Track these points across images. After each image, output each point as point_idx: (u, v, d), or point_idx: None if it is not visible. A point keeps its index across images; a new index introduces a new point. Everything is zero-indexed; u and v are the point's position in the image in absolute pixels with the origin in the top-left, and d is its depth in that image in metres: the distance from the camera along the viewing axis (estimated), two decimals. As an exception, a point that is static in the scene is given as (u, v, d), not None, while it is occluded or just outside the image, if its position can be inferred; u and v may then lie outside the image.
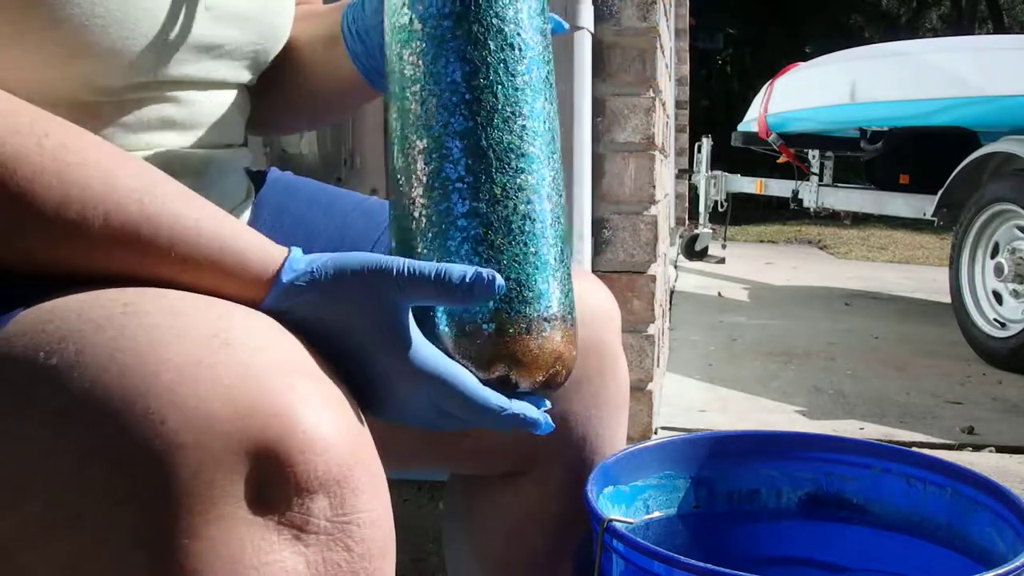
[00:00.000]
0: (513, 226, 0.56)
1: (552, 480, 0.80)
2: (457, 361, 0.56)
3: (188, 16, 0.63)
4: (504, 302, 0.55)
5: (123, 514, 0.43)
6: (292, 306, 0.53)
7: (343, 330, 0.53)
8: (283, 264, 0.54)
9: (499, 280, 0.53)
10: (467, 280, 0.53)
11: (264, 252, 0.54)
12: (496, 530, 0.83)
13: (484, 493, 0.84)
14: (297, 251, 0.56)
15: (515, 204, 0.56)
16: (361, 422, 0.51)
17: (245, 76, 0.73)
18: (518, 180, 0.56)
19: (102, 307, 0.48)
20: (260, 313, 0.52)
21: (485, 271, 0.53)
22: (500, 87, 0.57)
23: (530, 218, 0.56)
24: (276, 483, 0.45)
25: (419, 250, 0.57)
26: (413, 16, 0.58)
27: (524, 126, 0.57)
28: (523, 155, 0.57)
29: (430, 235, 0.56)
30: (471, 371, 0.56)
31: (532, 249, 0.56)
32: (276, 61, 0.78)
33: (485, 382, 0.56)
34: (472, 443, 0.80)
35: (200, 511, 0.43)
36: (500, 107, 0.56)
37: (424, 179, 0.57)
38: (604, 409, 0.81)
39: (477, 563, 0.85)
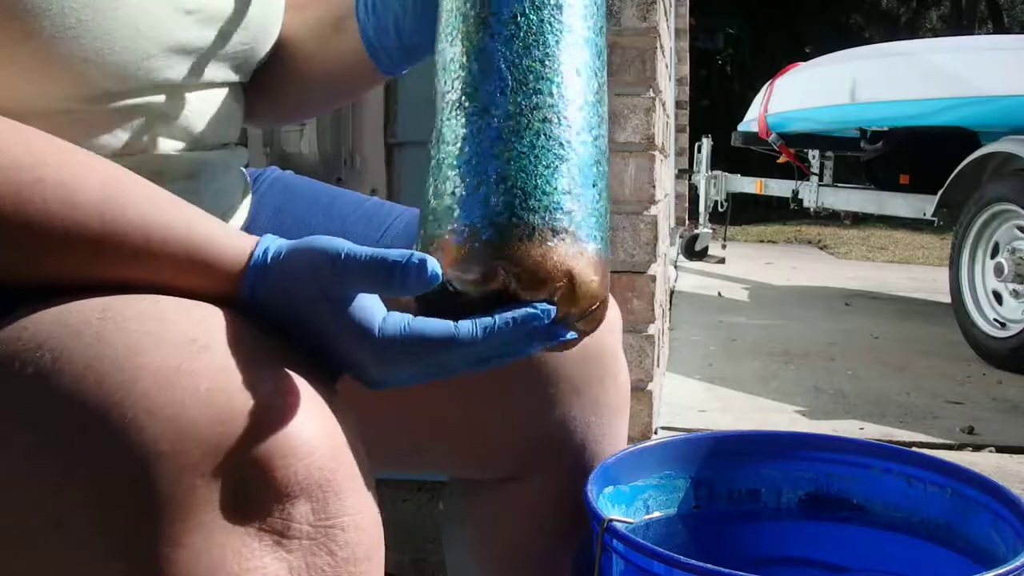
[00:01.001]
0: (524, 139, 0.56)
1: (552, 485, 0.80)
2: (455, 277, 0.53)
3: (167, 21, 0.62)
4: (506, 208, 0.54)
5: (104, 523, 0.43)
6: (263, 293, 0.52)
7: (304, 315, 0.52)
8: (252, 253, 0.53)
9: (431, 266, 0.50)
10: (402, 263, 0.49)
11: (234, 247, 0.53)
12: (496, 533, 0.83)
13: (484, 497, 0.84)
14: (265, 240, 0.54)
15: (528, 121, 0.56)
16: (344, 424, 0.50)
17: (235, 76, 0.72)
18: (535, 100, 0.57)
19: (79, 313, 0.47)
20: (239, 315, 0.51)
21: (417, 255, 0.50)
22: (524, 18, 0.58)
23: (545, 135, 0.56)
24: (256, 489, 0.44)
25: (438, 161, 0.58)
26: None
27: (548, 54, 0.58)
28: (543, 78, 0.58)
29: (449, 145, 0.57)
30: (469, 286, 0.53)
31: (544, 163, 0.56)
32: (276, 53, 0.77)
33: (484, 297, 0.53)
34: (472, 446, 0.80)
35: (180, 519, 0.43)
36: (523, 35, 0.58)
37: (449, 99, 0.58)
38: (604, 414, 0.81)
39: (477, 565, 0.85)
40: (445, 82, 0.60)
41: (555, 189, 0.56)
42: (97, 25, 0.57)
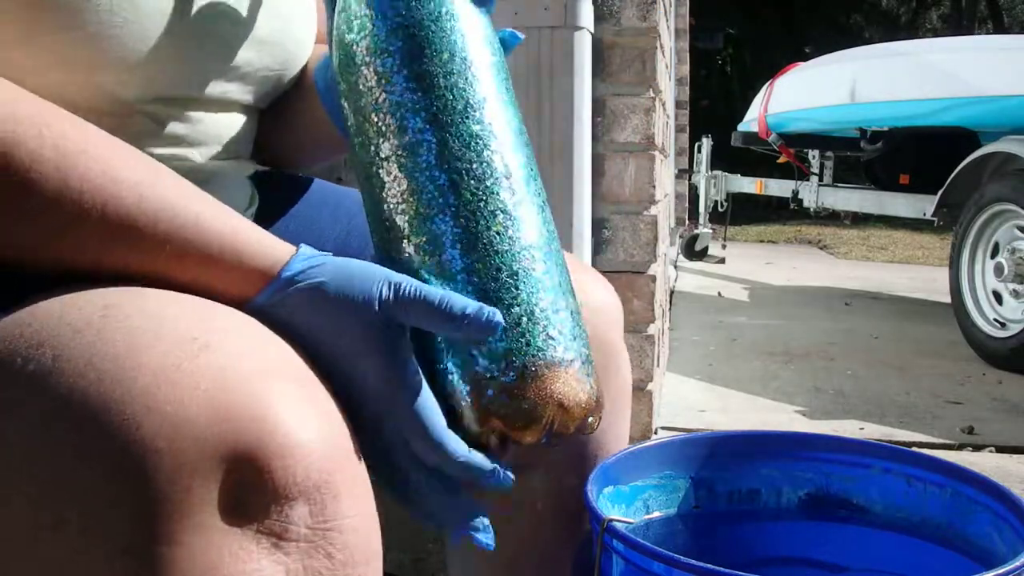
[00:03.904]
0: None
1: (554, 478, 0.80)
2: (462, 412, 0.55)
3: (205, 36, 0.63)
4: (470, 377, 0.54)
5: (102, 522, 0.42)
6: (285, 304, 0.53)
7: (332, 334, 0.53)
8: (286, 263, 0.54)
9: (498, 317, 0.53)
10: (468, 312, 0.53)
11: (264, 249, 0.54)
12: (497, 528, 0.83)
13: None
14: (305, 249, 0.55)
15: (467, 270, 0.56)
16: (344, 426, 0.50)
17: (258, 99, 0.73)
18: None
19: (80, 310, 0.48)
20: (243, 315, 0.51)
21: (487, 308, 0.53)
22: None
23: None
24: (254, 490, 0.44)
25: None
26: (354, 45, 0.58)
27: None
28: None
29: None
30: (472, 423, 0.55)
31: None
32: (298, 93, 0.78)
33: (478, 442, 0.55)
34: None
35: (177, 518, 0.43)
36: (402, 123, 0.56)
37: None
38: (607, 407, 0.81)
39: (478, 560, 0.85)
40: None
41: (508, 329, 0.54)
42: (142, 29, 0.58)
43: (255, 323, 0.51)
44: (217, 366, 0.45)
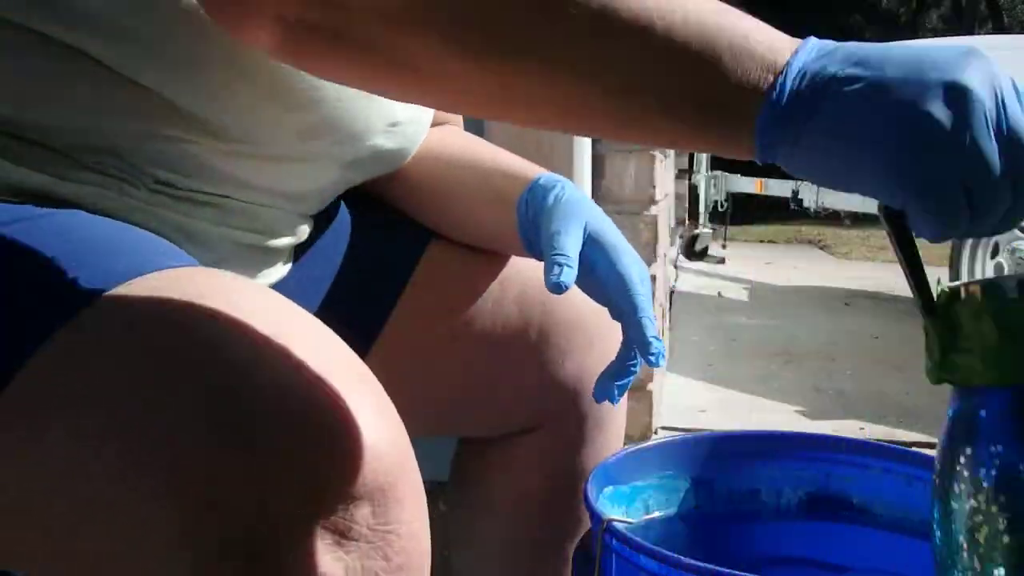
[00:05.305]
0: None
1: (564, 433, 0.84)
2: None
3: (378, 124, 0.71)
4: None
5: (171, 506, 0.43)
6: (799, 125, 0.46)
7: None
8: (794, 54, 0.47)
9: None
10: None
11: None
12: (508, 486, 0.86)
13: (496, 453, 0.87)
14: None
15: None
16: (406, 435, 0.51)
17: (360, 179, 0.79)
18: None
19: (177, 294, 0.49)
20: (314, 319, 0.52)
21: None
22: None
23: None
24: (324, 486, 0.45)
25: None
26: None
27: None
28: None
29: None
30: None
31: None
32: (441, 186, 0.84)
33: None
34: (494, 403, 0.84)
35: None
36: None
37: None
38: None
39: (488, 521, 0.87)
40: None
41: None
42: (357, 110, 0.67)
43: (327, 328, 0.52)
44: (295, 361, 0.47)
